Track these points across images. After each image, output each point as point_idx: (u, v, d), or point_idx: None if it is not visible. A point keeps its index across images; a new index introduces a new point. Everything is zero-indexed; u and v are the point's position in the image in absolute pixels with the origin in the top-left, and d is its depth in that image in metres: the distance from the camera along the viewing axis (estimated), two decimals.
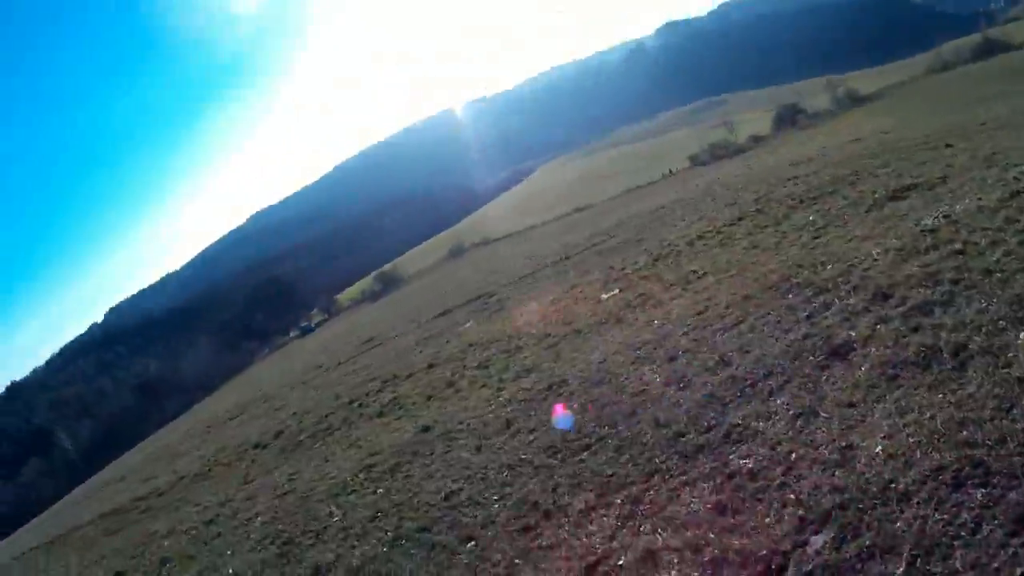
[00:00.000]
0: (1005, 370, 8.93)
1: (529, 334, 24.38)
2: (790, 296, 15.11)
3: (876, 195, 22.03)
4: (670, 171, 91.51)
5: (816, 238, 19.83)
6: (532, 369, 19.77)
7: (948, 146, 27.85)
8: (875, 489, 7.86)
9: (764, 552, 7.82)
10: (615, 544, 9.43)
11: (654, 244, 31.33)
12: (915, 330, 11.03)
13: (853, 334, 11.77)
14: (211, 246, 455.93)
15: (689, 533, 8.79)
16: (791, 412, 10.41)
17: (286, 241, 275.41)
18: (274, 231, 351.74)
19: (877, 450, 8.56)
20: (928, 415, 8.73)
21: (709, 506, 9.19)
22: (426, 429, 18.65)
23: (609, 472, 11.37)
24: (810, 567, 7.29)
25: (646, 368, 15.13)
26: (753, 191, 34.73)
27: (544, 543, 10.39)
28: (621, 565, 8.96)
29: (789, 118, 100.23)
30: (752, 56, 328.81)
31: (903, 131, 40.21)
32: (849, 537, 7.39)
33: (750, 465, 9.62)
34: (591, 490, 11.11)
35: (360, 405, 26.92)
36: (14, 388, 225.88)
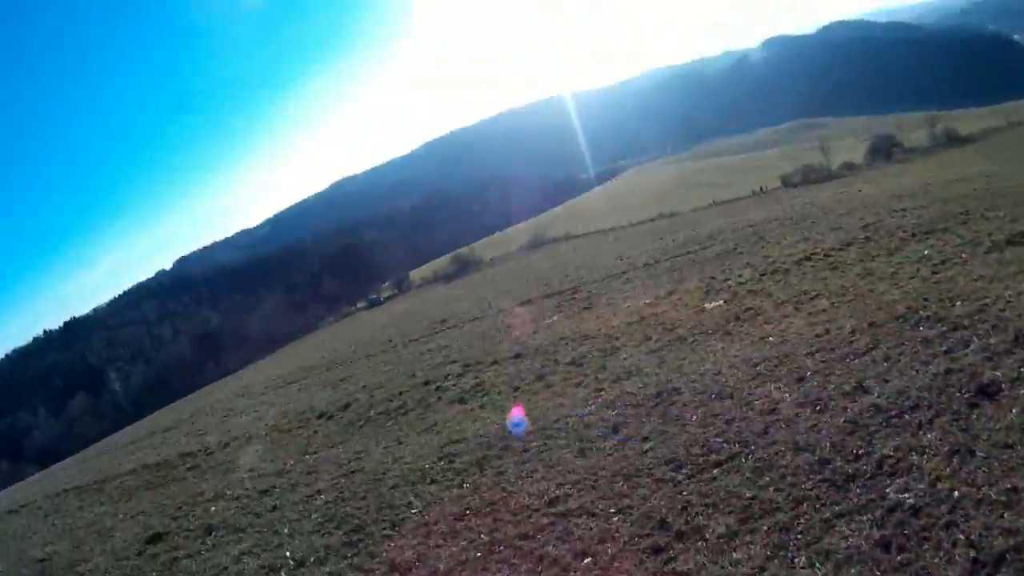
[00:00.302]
0: None
1: (626, 335, 23.68)
2: (922, 329, 15.15)
3: (993, 237, 21.79)
4: (761, 189, 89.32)
5: (936, 272, 19.82)
6: (634, 372, 18.93)
7: None
8: None
9: None
10: None
11: (757, 259, 30.82)
12: None
13: (999, 374, 11.77)
14: (290, 207, 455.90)
15: (853, 570, 8.31)
16: (946, 448, 10.13)
17: (366, 211, 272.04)
18: (356, 200, 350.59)
19: None
20: None
21: (871, 541, 8.71)
22: (518, 424, 17.50)
23: (748, 495, 10.60)
24: None
25: (771, 386, 14.66)
26: (859, 218, 34.16)
27: (680, 568, 9.46)
28: None
29: (884, 150, 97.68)
30: (853, 81, 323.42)
31: (1011, 176, 38.95)
32: None
33: (911, 500, 9.20)
34: (730, 513, 10.30)
35: (438, 387, 25.58)
36: (72, 324, 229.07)
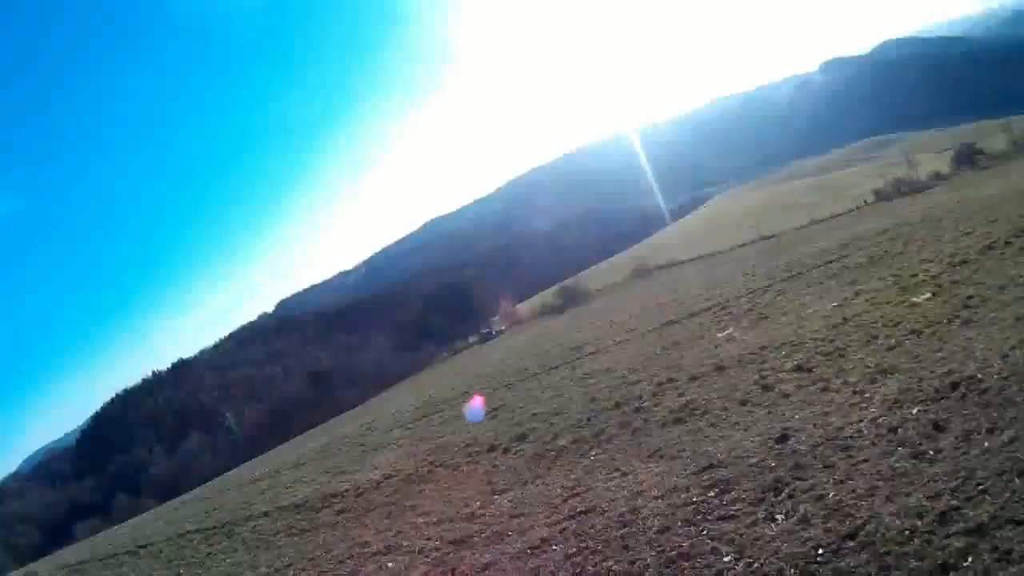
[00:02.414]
0: None
1: (842, 337, 21.71)
2: None
3: None
4: (865, 202, 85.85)
5: None
6: (889, 370, 16.82)
7: None
8: None
9: None
10: None
11: (925, 256, 29.89)
12: None
13: None
14: (384, 249, 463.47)
15: None
16: None
17: (460, 249, 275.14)
18: (448, 239, 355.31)
19: None
20: None
21: None
22: (783, 439, 14.83)
23: None
24: None
25: None
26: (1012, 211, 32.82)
27: None
28: None
29: (968, 157, 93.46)
30: (915, 97, 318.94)
31: None
32: None
33: None
34: None
35: (637, 409, 22.66)
36: (181, 365, 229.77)
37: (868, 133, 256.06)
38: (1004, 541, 8.64)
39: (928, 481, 10.73)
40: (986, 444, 11.17)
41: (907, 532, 9.62)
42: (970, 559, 8.57)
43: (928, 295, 22.82)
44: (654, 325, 40.34)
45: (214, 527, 30.08)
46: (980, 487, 9.99)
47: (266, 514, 28.79)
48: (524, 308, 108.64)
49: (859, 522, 10.28)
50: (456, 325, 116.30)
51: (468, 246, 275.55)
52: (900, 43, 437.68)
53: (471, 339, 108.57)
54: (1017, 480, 9.80)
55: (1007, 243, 25.82)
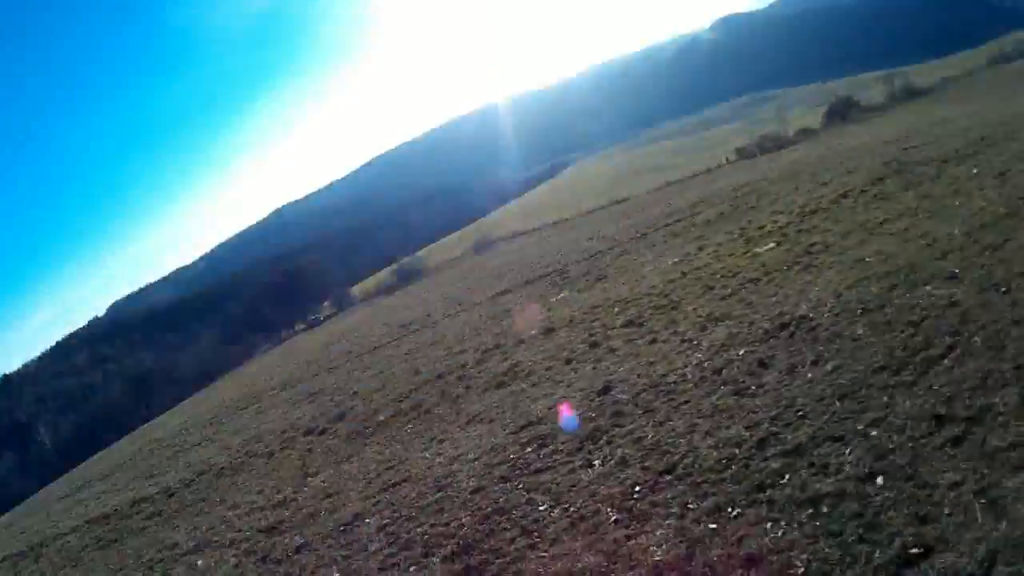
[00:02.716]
0: None
1: (679, 289, 22.24)
2: None
3: None
4: (727, 160, 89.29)
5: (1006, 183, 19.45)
6: (720, 317, 17.36)
7: None
8: None
9: None
10: None
11: (776, 208, 30.54)
12: None
13: None
14: (227, 240, 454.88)
15: None
16: None
17: (305, 236, 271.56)
18: (294, 226, 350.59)
19: None
20: None
21: None
22: (605, 391, 15.06)
23: None
24: None
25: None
26: (872, 159, 34.18)
27: None
28: None
29: (841, 111, 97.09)
30: (808, 50, 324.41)
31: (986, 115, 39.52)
32: None
33: None
34: None
35: (460, 378, 23.00)
36: (4, 381, 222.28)
37: (749, 91, 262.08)
38: (821, 457, 9.17)
39: (748, 413, 11.15)
40: (809, 375, 11.63)
41: (724, 461, 10.05)
42: (787, 477, 9.02)
43: (772, 245, 23.43)
44: (487, 296, 41.13)
45: (22, 552, 29.03)
46: (799, 413, 10.48)
47: (74, 530, 28.01)
48: (359, 289, 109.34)
49: (676, 458, 10.66)
50: (289, 314, 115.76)
51: (316, 231, 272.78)
52: None
53: (298, 327, 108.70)
54: (837, 403, 10.31)
55: (862, 191, 26.59)
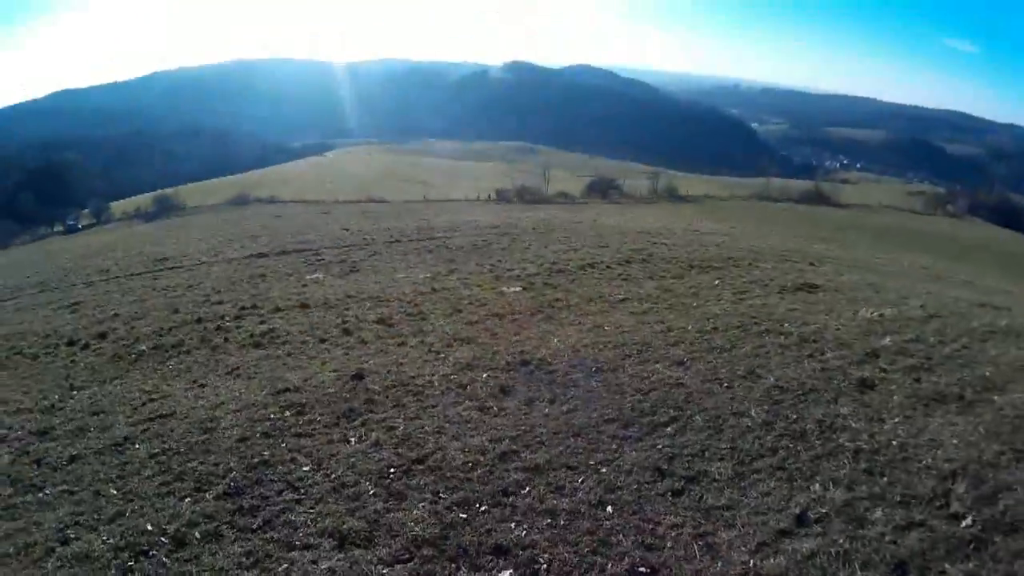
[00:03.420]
0: None
1: (429, 304, 23.41)
2: (768, 337, 16.51)
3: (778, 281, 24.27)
4: (488, 196, 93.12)
5: (741, 299, 21.53)
6: (466, 340, 18.46)
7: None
8: None
9: None
10: None
11: (529, 257, 32.35)
12: None
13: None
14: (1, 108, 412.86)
15: None
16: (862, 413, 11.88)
17: (77, 131, 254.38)
18: (70, 115, 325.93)
19: None
20: None
21: None
22: (358, 377, 15.75)
23: None
24: None
25: (655, 365, 15.25)
26: (622, 242, 36.79)
27: None
28: None
29: (602, 189, 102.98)
30: (583, 122, 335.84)
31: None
32: None
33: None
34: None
35: (219, 328, 22.94)
36: None
37: (520, 139, 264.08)
38: (558, 479, 10.42)
39: (491, 429, 12.26)
40: (546, 410, 12.93)
41: (470, 464, 11.03)
42: (528, 489, 10.18)
43: (519, 288, 24.70)
44: (244, 254, 41.00)
45: None
46: (538, 439, 11.69)
47: None
48: (118, 208, 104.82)
49: (427, 451, 11.57)
50: (49, 212, 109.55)
51: (86, 132, 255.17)
52: (592, 71, 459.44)
53: (56, 228, 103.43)
54: (571, 439, 11.66)
55: (608, 267, 28.33)
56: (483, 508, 9.83)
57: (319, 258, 36.12)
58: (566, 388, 14.04)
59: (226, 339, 21.36)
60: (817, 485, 9.62)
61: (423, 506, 9.95)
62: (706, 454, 10.78)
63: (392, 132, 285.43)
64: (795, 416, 11.76)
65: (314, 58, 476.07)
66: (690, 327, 17.61)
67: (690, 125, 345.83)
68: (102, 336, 23.81)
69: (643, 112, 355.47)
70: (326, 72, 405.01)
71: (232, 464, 11.80)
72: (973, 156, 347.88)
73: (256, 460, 11.86)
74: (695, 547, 8.56)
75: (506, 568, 8.48)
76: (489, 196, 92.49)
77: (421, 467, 11.12)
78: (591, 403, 13.11)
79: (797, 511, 9.05)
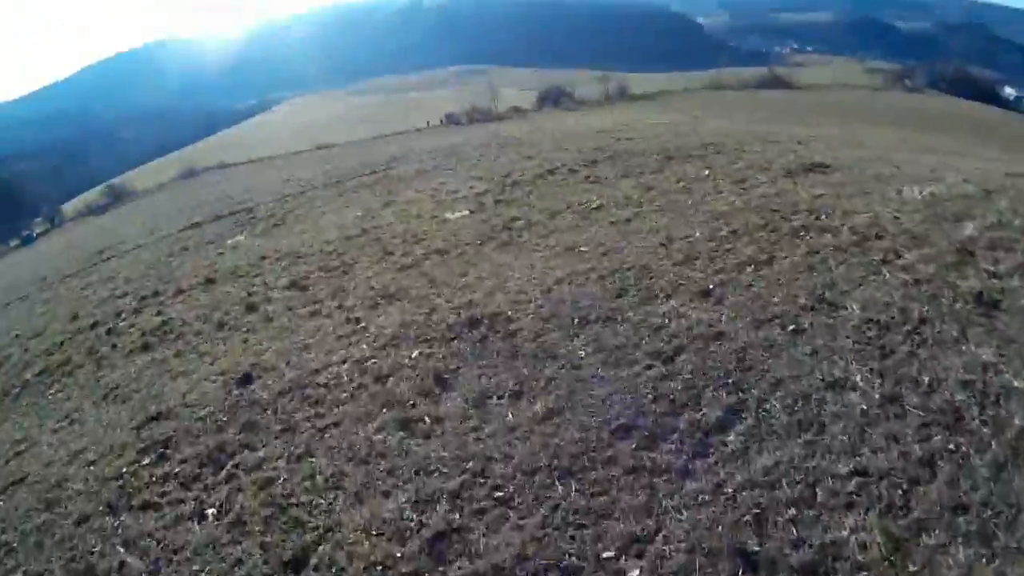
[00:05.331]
0: None
1: (355, 250, 18.83)
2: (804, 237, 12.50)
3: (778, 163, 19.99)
4: (428, 123, 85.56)
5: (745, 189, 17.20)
6: (398, 295, 13.84)
7: None
8: None
9: None
10: None
11: (477, 174, 27.37)
12: None
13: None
14: None
15: None
16: None
17: (18, 142, 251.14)
18: (6, 132, 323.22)
19: None
20: None
21: None
22: (247, 380, 11.14)
23: None
24: None
25: (671, 303, 10.74)
26: (583, 142, 31.47)
27: None
28: None
29: (554, 98, 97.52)
30: (530, 38, 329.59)
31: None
32: None
33: None
34: None
35: (110, 331, 18.35)
36: None
37: (464, 63, 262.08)
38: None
39: (417, 474, 7.63)
40: (509, 416, 8.15)
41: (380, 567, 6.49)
42: None
43: (465, 212, 20.63)
44: (177, 227, 36.91)
45: None
46: (495, 493, 7.14)
47: None
48: (71, 208, 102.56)
49: (312, 539, 7.02)
50: (4, 224, 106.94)
51: (24, 139, 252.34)
52: None
53: (13, 243, 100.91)
54: (556, 486, 7.01)
55: (571, 170, 23.94)
56: None
57: (252, 216, 32.15)
58: (537, 365, 9.18)
59: (114, 346, 16.83)
60: None
61: None
62: (817, 487, 6.20)
63: (337, 78, 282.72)
64: (927, 378, 7.16)
65: (243, 23, 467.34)
66: (698, 234, 13.35)
67: (637, 25, 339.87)
68: None
69: (591, 21, 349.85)
70: (259, 33, 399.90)
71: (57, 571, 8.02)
72: (925, 31, 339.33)
73: (81, 566, 7.83)
74: None
75: None
76: (441, 121, 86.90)
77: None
78: (583, 392, 8.27)
79: None
